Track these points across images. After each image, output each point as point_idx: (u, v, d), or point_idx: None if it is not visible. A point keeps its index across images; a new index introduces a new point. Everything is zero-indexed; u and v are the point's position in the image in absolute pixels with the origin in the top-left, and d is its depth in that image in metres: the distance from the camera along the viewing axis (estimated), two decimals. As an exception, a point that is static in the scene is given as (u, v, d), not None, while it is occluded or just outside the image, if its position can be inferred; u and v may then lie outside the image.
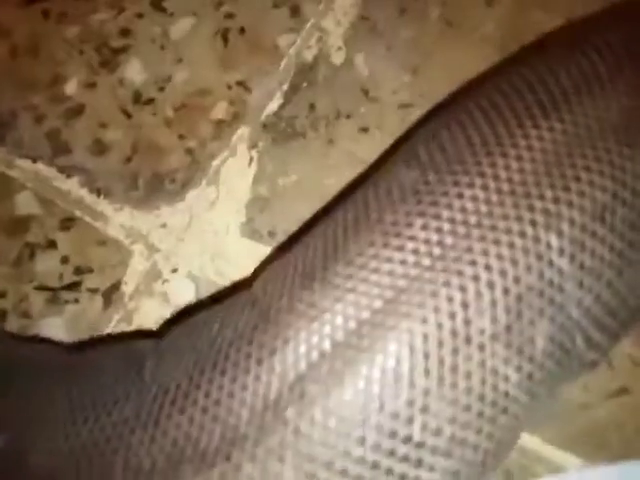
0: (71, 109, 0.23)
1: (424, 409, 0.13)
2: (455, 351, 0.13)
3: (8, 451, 0.15)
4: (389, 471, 0.13)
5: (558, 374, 0.14)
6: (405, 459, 0.13)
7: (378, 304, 0.13)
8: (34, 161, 0.22)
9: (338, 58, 0.23)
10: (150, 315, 0.20)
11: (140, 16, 0.24)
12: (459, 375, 0.13)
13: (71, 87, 0.24)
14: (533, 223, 0.13)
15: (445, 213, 0.13)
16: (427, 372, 0.13)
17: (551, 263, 0.13)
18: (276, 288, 0.14)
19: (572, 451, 0.17)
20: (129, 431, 0.14)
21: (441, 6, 0.24)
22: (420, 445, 0.13)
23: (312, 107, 0.23)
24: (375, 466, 0.13)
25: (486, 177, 0.14)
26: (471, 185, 0.14)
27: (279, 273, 0.15)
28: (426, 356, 0.13)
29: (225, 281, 0.20)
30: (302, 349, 0.13)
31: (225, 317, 0.15)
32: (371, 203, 0.14)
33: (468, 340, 0.13)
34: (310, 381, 0.13)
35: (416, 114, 0.22)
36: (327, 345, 0.13)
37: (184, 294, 0.21)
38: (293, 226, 0.21)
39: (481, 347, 0.13)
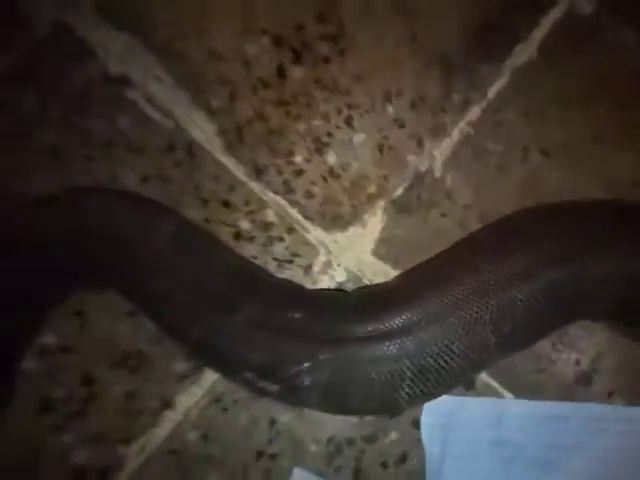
0: (296, 170, 0.45)
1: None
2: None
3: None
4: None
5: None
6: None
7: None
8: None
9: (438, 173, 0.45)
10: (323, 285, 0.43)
11: (338, 127, 0.46)
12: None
13: (298, 159, 0.45)
14: None
15: None
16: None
17: None
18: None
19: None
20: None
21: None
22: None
23: (428, 209, 0.44)
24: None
25: None
26: None
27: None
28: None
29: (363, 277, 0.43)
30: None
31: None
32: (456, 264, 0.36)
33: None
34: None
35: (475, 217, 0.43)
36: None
37: (341, 278, 0.43)
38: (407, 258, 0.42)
39: None
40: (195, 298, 0.35)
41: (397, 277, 0.41)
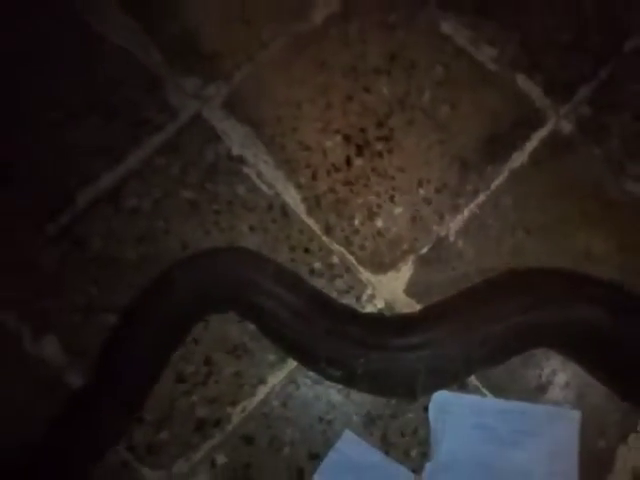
0: (354, 230, 0.65)
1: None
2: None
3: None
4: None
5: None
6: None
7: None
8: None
9: (452, 238, 0.65)
10: (369, 310, 0.62)
11: (385, 202, 0.66)
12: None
13: (356, 222, 0.66)
14: None
15: None
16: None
17: None
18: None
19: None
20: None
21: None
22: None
23: (444, 264, 0.64)
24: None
25: None
26: None
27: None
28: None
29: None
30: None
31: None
32: (460, 306, 0.56)
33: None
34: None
35: (476, 271, 0.63)
36: None
37: (380, 306, 0.63)
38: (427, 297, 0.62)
39: None
40: (289, 315, 0.56)
41: (420, 310, 0.61)
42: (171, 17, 0.71)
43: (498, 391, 0.59)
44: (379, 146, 0.68)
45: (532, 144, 0.67)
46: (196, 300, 0.57)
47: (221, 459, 0.59)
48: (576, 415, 0.58)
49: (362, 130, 0.68)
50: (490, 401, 0.58)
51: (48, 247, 0.64)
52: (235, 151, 0.67)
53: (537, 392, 0.60)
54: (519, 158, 0.67)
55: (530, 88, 0.69)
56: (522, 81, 0.69)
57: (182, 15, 0.71)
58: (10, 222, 0.65)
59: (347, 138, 0.68)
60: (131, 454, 0.58)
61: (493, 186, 0.66)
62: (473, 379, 0.59)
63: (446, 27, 0.71)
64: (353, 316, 0.57)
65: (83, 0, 0.71)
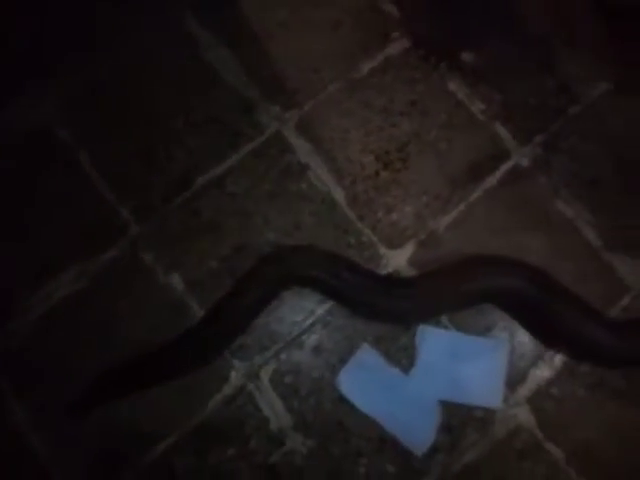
0: (379, 221, 0.99)
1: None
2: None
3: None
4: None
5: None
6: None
7: None
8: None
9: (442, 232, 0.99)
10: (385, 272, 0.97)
11: (404, 207, 0.99)
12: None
13: (380, 215, 0.99)
14: None
15: None
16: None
17: None
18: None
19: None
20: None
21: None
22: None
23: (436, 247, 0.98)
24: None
25: None
26: None
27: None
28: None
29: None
30: None
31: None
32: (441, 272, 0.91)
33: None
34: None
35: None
36: None
37: (391, 270, 0.97)
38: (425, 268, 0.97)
39: None
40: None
41: (416, 275, 0.95)
42: (265, 62, 1.03)
43: (460, 327, 0.94)
44: (398, 165, 1.01)
45: (500, 172, 1.01)
46: (281, 280, 0.91)
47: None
48: (507, 345, 0.93)
49: (387, 152, 1.01)
50: (454, 333, 0.93)
51: (175, 211, 0.98)
52: (302, 159, 1.00)
53: (485, 330, 0.95)
54: (491, 181, 1.00)
55: (503, 133, 1.02)
56: (498, 128, 1.02)
57: (272, 62, 1.03)
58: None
59: (377, 157, 1.01)
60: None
61: (471, 198, 1.00)
62: (444, 318, 0.94)
63: (452, 85, 1.04)
64: (376, 277, 0.93)
65: (210, 46, 1.03)
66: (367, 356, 0.93)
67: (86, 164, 1.00)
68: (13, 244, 0.97)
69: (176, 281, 0.95)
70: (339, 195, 0.99)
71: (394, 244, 0.98)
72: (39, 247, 0.97)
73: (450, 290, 0.90)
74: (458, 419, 0.91)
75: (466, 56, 1.03)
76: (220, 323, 0.91)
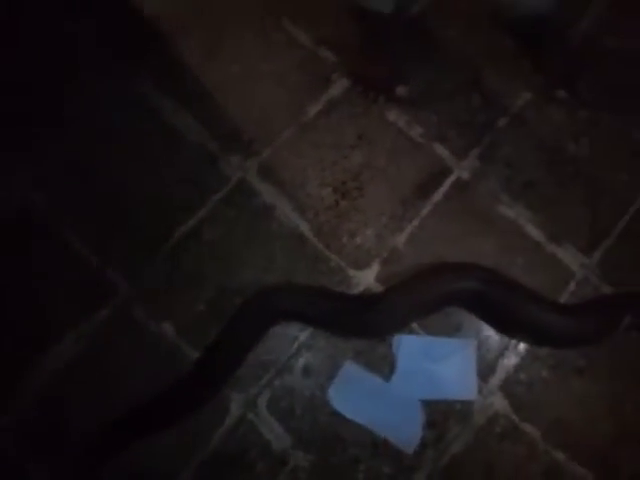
0: (346, 246, 1.09)
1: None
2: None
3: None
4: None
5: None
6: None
7: None
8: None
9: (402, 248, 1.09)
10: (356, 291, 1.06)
11: (361, 232, 1.10)
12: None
13: (345, 240, 1.09)
14: None
15: None
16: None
17: None
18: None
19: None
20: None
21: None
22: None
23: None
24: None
25: None
26: None
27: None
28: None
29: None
30: None
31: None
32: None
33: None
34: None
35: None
36: None
37: (362, 289, 1.07)
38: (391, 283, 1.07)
39: None
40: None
41: (383, 290, 1.05)
42: (222, 117, 1.14)
43: (431, 331, 1.04)
44: (355, 193, 1.12)
45: (445, 187, 1.12)
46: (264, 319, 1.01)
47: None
48: (474, 343, 1.04)
49: (343, 183, 1.12)
50: (426, 337, 1.03)
51: (159, 264, 1.07)
52: (268, 201, 1.11)
53: (454, 330, 1.05)
54: (438, 196, 1.12)
55: (442, 152, 1.14)
56: (437, 147, 1.14)
57: (229, 116, 1.14)
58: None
59: (335, 189, 1.12)
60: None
61: (423, 214, 1.11)
62: (415, 325, 1.04)
63: (391, 115, 1.16)
64: (347, 299, 1.03)
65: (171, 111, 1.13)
66: (351, 370, 1.02)
67: (68, 234, 1.08)
68: (11, 315, 1.04)
69: (168, 329, 1.03)
70: (305, 228, 1.09)
71: (361, 265, 1.08)
72: (35, 319, 1.04)
73: (415, 299, 1.00)
74: (440, 414, 1.00)
75: (400, 89, 1.14)
76: (217, 362, 1.00)
